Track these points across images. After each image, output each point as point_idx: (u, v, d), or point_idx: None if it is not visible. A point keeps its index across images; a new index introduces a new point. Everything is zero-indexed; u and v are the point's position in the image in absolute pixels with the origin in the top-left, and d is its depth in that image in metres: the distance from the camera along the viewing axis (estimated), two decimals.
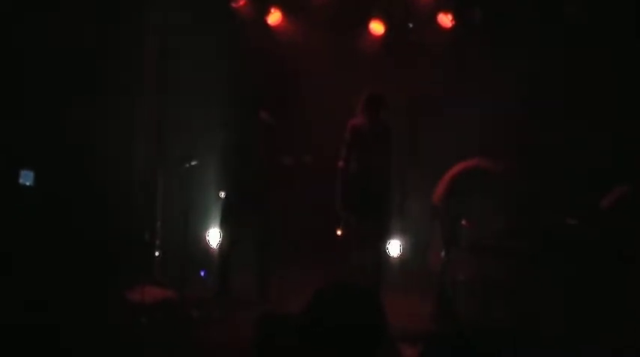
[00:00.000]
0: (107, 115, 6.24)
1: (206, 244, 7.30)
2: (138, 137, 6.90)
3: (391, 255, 7.29)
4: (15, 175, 5.77)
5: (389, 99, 6.15)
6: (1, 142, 5.75)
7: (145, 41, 6.96)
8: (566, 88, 6.97)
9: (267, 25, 7.54)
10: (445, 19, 7.35)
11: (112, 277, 5.96)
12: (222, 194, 6.35)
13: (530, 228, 5.80)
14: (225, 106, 6.72)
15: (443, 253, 5.89)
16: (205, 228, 7.30)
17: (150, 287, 5.78)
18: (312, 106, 7.37)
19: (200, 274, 6.84)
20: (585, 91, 6.84)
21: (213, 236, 7.12)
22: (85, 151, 6.12)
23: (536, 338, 4.98)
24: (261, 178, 6.15)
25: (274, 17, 7.52)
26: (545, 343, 4.88)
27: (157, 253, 6.81)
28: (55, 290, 5.22)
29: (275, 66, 7.48)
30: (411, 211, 7.52)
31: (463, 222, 5.82)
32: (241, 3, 7.34)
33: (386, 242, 6.67)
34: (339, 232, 6.29)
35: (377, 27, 7.52)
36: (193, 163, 6.05)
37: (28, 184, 5.77)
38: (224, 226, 6.27)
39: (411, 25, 7.67)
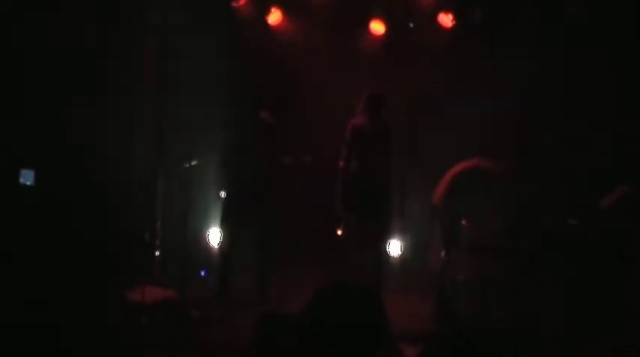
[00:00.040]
0: (107, 115, 6.24)
1: (206, 244, 7.30)
2: (138, 137, 6.90)
3: (391, 255, 7.28)
4: (15, 175, 5.77)
5: (389, 99, 6.15)
6: (1, 142, 5.76)
7: (145, 41, 6.95)
8: (566, 88, 6.96)
9: (267, 24, 7.54)
10: (446, 19, 7.35)
11: (112, 277, 5.96)
12: (223, 194, 6.35)
13: (530, 228, 5.80)
14: (225, 106, 6.72)
15: (443, 253, 5.89)
16: (205, 228, 7.29)
17: (150, 287, 5.77)
18: (312, 106, 7.37)
19: (200, 274, 6.84)
20: (585, 91, 6.84)
21: (214, 236, 7.12)
22: (85, 151, 6.12)
23: (536, 338, 4.98)
24: (261, 178, 6.15)
25: (274, 17, 7.52)
26: (545, 343, 4.88)
27: (157, 253, 6.81)
28: (55, 290, 5.22)
29: (275, 66, 7.48)
30: (411, 211, 7.52)
31: (463, 222, 5.82)
32: (241, 2, 7.33)
33: (386, 242, 6.67)
34: (339, 232, 6.29)
35: (377, 27, 7.51)
36: (193, 163, 6.05)
37: (28, 183, 5.78)
38: (224, 225, 6.27)
39: (411, 25, 7.67)
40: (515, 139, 6.84)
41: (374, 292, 2.43)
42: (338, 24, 7.49)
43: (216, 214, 6.59)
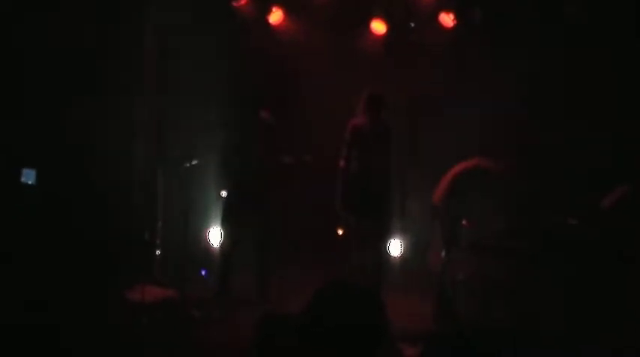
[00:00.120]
0: (107, 115, 6.24)
1: (206, 244, 7.30)
2: (138, 137, 6.90)
3: (391, 255, 7.28)
4: (15, 175, 5.77)
5: (389, 99, 6.15)
6: (2, 141, 5.75)
7: (145, 41, 6.96)
8: (566, 88, 6.97)
9: (268, 24, 7.54)
10: (446, 19, 7.35)
11: (112, 277, 5.96)
12: (223, 194, 6.35)
13: (530, 228, 5.80)
14: (225, 106, 6.72)
15: (443, 253, 5.88)
16: (205, 228, 7.30)
17: (150, 287, 5.77)
18: (312, 106, 7.37)
19: (200, 274, 6.85)
20: (585, 91, 6.84)
21: (214, 236, 7.12)
22: (85, 151, 6.12)
23: (536, 338, 4.98)
24: (261, 177, 6.15)
25: (275, 16, 7.52)
26: (545, 343, 4.88)
27: (157, 253, 6.81)
28: (55, 290, 5.22)
29: (275, 66, 7.48)
30: (411, 211, 7.52)
31: (463, 222, 5.82)
32: (242, 2, 7.33)
33: (386, 242, 6.67)
34: (339, 232, 6.29)
35: (378, 26, 7.51)
36: (193, 162, 6.05)
37: (30, 182, 5.78)
38: (224, 225, 6.28)
39: (412, 25, 7.67)
40: (515, 139, 6.84)
41: (374, 292, 2.43)
42: (339, 24, 7.49)
43: (216, 213, 6.59)
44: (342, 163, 6.08)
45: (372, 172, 6.04)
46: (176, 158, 6.32)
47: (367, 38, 7.59)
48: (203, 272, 6.86)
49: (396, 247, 7.41)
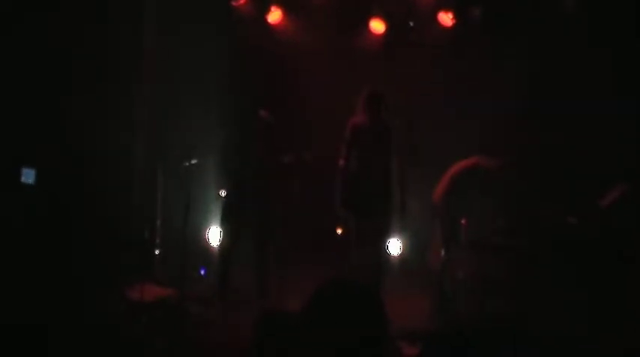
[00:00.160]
0: (107, 114, 6.24)
1: (206, 243, 7.30)
2: (138, 137, 6.90)
3: (391, 254, 7.28)
4: (15, 175, 5.77)
5: (389, 98, 6.14)
6: (2, 141, 5.76)
7: (145, 41, 6.96)
8: (566, 88, 6.96)
9: (267, 23, 7.54)
10: (446, 18, 7.35)
11: (112, 276, 5.96)
12: (222, 193, 6.35)
13: (530, 227, 5.80)
14: (224, 105, 6.72)
15: (443, 252, 5.89)
16: (205, 227, 7.30)
17: (149, 286, 5.77)
18: (311, 106, 7.37)
19: (200, 273, 6.85)
20: (585, 90, 6.84)
21: (213, 235, 7.12)
22: (84, 151, 6.12)
23: (536, 338, 4.98)
24: (260, 177, 6.15)
25: (275, 16, 7.52)
26: (545, 343, 4.88)
27: (156, 252, 6.81)
28: (54, 289, 5.22)
29: (275, 65, 7.48)
30: (411, 210, 7.51)
31: (463, 221, 5.82)
32: (242, 1, 7.34)
33: (386, 241, 6.66)
34: (338, 231, 6.28)
35: (377, 26, 7.52)
36: (193, 161, 6.05)
37: (29, 182, 5.78)
38: (224, 224, 6.27)
39: (411, 24, 7.67)
40: (515, 139, 6.84)
41: (373, 290, 2.43)
42: (338, 23, 7.50)
43: (215, 212, 6.59)
44: (341, 162, 6.07)
45: (372, 172, 6.04)
46: (176, 157, 6.32)
47: (366, 37, 7.59)
48: (202, 271, 6.86)
49: (395, 247, 7.40)
